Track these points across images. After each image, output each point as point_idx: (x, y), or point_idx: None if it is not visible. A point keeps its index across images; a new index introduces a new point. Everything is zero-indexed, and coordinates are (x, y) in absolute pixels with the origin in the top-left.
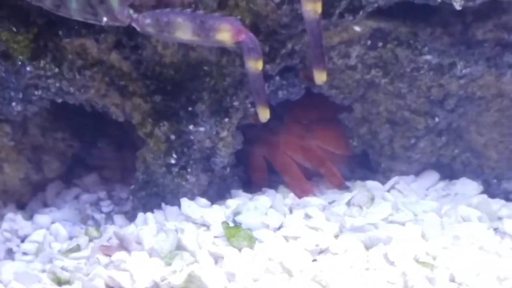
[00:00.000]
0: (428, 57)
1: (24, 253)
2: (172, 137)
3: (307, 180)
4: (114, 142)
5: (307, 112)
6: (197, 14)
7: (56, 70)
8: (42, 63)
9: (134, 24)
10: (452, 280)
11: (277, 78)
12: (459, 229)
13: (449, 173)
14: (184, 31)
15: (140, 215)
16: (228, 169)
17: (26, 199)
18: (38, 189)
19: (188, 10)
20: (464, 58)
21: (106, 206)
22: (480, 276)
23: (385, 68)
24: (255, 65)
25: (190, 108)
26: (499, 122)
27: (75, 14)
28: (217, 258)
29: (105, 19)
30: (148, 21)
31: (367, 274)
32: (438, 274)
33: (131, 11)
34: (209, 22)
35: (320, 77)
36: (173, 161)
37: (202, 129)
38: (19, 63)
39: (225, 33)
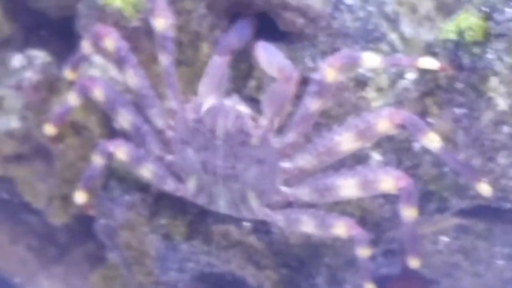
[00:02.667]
0: (501, 248)
1: None
2: None
3: None
4: None
5: (404, 283)
6: (319, 213)
7: (206, 248)
8: (194, 242)
9: (268, 219)
10: None
11: (380, 258)
12: None
13: None
14: (307, 226)
15: None
16: None
17: None
18: None
19: (312, 210)
20: None
21: None
22: None
23: (466, 254)
24: (410, 213)
25: (310, 280)
26: None
27: (222, 210)
28: None
29: (246, 214)
30: (279, 217)
31: None
32: None
33: (267, 209)
34: (327, 219)
35: (413, 263)
36: None
37: None
38: (177, 242)
39: (340, 229)
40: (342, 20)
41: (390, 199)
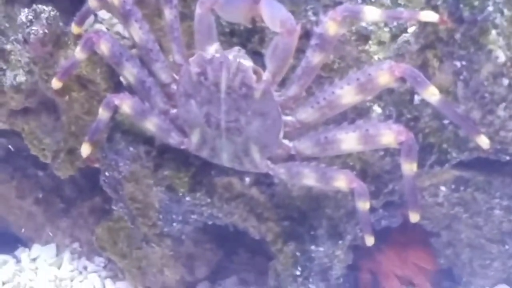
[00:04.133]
0: (499, 200)
1: None
2: (298, 254)
3: None
4: (250, 250)
5: (404, 235)
6: (320, 166)
7: (209, 200)
8: (198, 194)
9: (270, 172)
10: None
11: (381, 210)
12: None
13: None
14: (309, 179)
15: None
16: (341, 279)
17: None
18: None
19: (314, 163)
20: None
21: None
22: None
23: (465, 206)
24: (410, 167)
25: (312, 232)
26: None
27: (225, 163)
28: None
29: (248, 167)
30: (281, 170)
31: None
32: None
33: (269, 162)
34: (328, 172)
35: (414, 217)
36: (298, 273)
37: (321, 248)
38: (180, 194)
39: (340, 182)
40: None
41: (390, 151)
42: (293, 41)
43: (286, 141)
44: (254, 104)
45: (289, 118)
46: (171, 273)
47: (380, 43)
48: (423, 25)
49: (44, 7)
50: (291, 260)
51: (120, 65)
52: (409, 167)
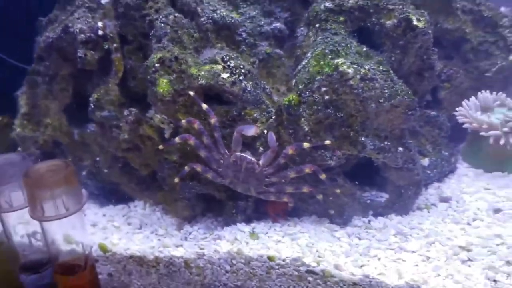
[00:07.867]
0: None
1: None
2: None
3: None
4: None
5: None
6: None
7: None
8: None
9: (257, 196)
10: None
11: None
12: None
13: None
14: (273, 197)
15: None
16: None
17: None
18: None
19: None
20: None
21: None
22: None
23: None
24: None
25: None
26: None
27: (240, 191)
28: None
29: (249, 193)
30: (262, 196)
31: None
32: None
33: (257, 194)
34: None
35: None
36: None
37: None
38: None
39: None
40: (246, 96)
41: None
42: (274, 153)
43: (264, 187)
44: (255, 174)
45: (267, 179)
46: None
47: (262, 123)
48: (279, 115)
49: (134, 109)
50: None
51: (199, 150)
52: None
